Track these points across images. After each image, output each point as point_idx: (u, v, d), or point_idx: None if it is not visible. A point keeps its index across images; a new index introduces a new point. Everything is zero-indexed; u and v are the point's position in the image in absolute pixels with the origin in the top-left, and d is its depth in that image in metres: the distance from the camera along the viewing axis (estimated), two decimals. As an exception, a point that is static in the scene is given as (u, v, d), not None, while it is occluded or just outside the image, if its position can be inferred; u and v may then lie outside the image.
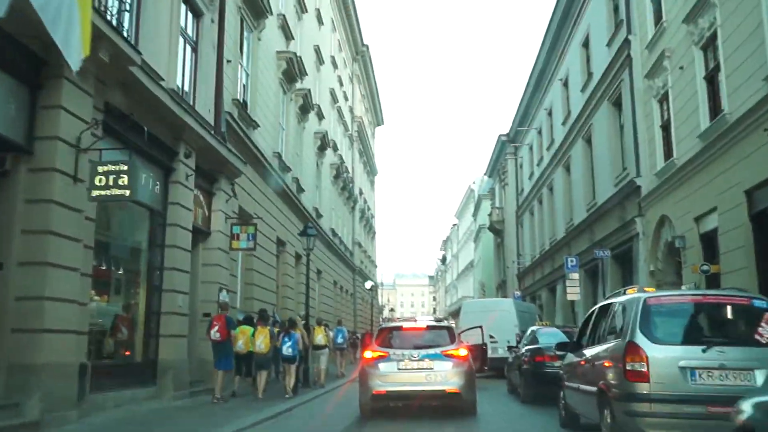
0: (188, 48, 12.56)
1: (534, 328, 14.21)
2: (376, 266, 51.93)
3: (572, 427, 8.04)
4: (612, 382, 6.02)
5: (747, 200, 11.07)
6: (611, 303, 6.92)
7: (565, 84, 24.74)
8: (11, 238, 7.30)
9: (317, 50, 26.36)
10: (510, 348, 15.59)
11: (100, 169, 7.84)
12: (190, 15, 12.64)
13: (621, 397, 5.76)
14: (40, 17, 6.20)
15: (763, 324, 5.70)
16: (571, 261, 19.17)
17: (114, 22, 8.67)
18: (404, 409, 9.71)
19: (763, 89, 10.34)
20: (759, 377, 5.42)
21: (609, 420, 6.00)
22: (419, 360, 9.19)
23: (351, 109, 37.75)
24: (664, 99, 15.23)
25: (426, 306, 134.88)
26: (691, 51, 13.43)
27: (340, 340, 19.24)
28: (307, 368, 14.80)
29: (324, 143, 26.64)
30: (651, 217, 15.96)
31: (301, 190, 22.31)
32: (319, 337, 15.46)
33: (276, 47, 19.30)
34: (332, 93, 30.37)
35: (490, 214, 43.37)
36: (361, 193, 41.01)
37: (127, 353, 10.28)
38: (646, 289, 6.80)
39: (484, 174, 50.21)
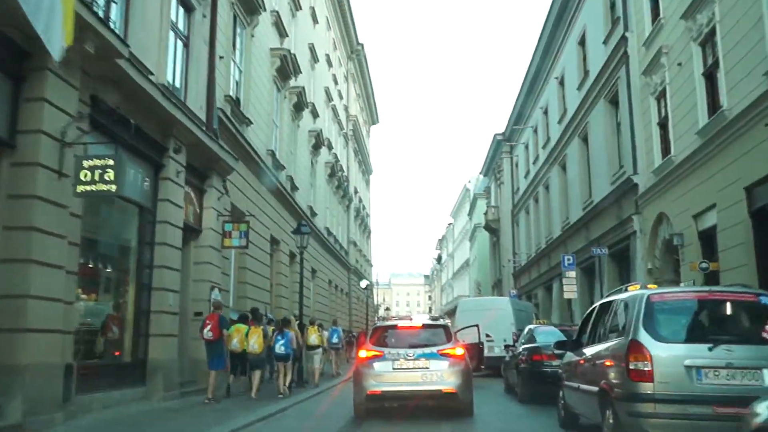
0: (179, 43, 12.33)
1: (531, 326, 14.07)
2: (371, 265, 51.82)
3: (572, 427, 7.87)
4: (614, 381, 5.83)
5: (747, 197, 10.95)
6: (612, 300, 6.74)
7: (561, 82, 24.62)
8: (-7, 235, 7.07)
9: (312, 48, 26.16)
10: (507, 347, 15.46)
11: (86, 163, 7.61)
12: (181, 9, 12.40)
13: (624, 398, 5.56)
14: (21, 6, 5.98)
15: None
16: (568, 259, 19.03)
17: (101, 15, 8.43)
18: (399, 410, 9.51)
19: (763, 84, 10.21)
20: (767, 377, 5.24)
21: (611, 421, 5.82)
22: (415, 359, 9.00)
23: (346, 108, 37.57)
24: (661, 96, 15.11)
25: (422, 305, 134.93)
26: (689, 47, 13.30)
27: (335, 339, 19.11)
28: (301, 367, 14.65)
29: (318, 141, 26.45)
30: (648, 214, 15.85)
31: (295, 188, 22.10)
32: (313, 337, 15.32)
33: (270, 44, 19.09)
34: (327, 91, 30.18)
35: (485, 213, 43.28)
36: (356, 191, 40.85)
37: (115, 353, 10.05)
38: (649, 286, 6.61)
39: (480, 173, 50.13)
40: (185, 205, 11.79)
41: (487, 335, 17.06)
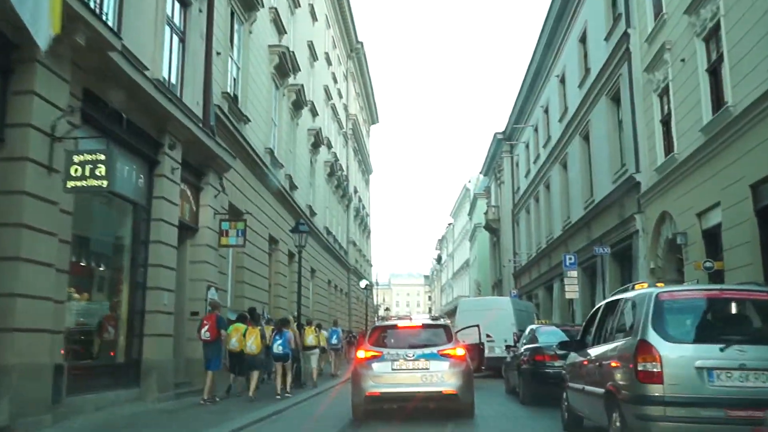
0: (175, 38, 12.15)
1: (533, 326, 13.88)
2: (371, 265, 51.64)
3: (575, 430, 7.67)
4: (622, 383, 5.61)
5: (752, 194, 10.77)
6: (619, 299, 6.52)
7: (562, 80, 24.44)
8: (-20, 232, 6.86)
9: (311, 46, 25.96)
10: (507, 347, 15.28)
11: (76, 158, 7.41)
12: (177, 4, 12.23)
13: (632, 400, 5.34)
14: (7, -7, 5.79)
15: None
16: (570, 258, 18.83)
17: (93, 6, 8.23)
18: (399, 412, 9.29)
19: (770, 79, 10.01)
20: None
21: (618, 424, 5.60)
22: (414, 360, 8.79)
23: (345, 107, 37.38)
24: (664, 93, 14.92)
25: (421, 305, 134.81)
26: (692, 43, 13.12)
27: (334, 340, 18.99)
28: (299, 368, 14.47)
29: (318, 140, 26.25)
30: (651, 213, 15.66)
31: (294, 187, 21.91)
32: (310, 337, 15.15)
33: (268, 41, 18.89)
34: (326, 90, 29.99)
35: (485, 213, 43.13)
36: (355, 191, 40.66)
37: (109, 353, 9.85)
38: (658, 284, 6.40)
39: (480, 172, 49.97)
40: (181, 202, 11.61)
41: (488, 335, 16.87)
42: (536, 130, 29.66)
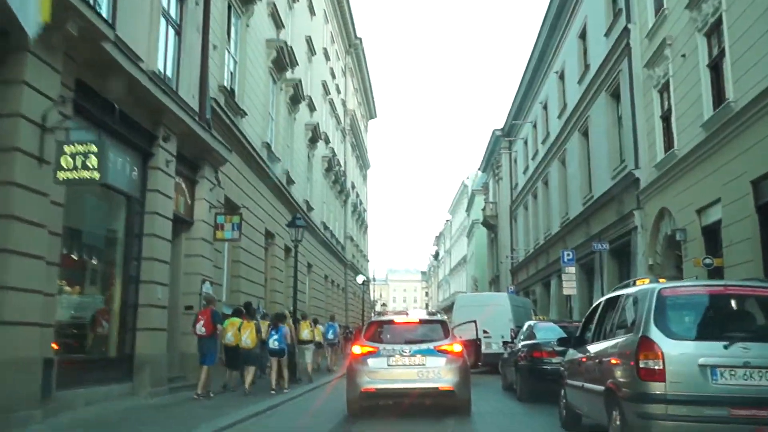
0: (171, 30, 11.97)
1: (531, 322, 13.78)
2: (368, 261, 51.54)
3: (574, 427, 7.57)
4: (622, 380, 5.50)
5: (753, 191, 10.70)
6: (620, 295, 6.41)
7: (561, 76, 24.33)
8: (-32, 223, 6.71)
9: (309, 41, 25.79)
10: (505, 343, 15.20)
11: (67, 149, 7.25)
12: (173, -5, 12.05)
13: (633, 398, 5.23)
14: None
15: None
16: (568, 255, 18.76)
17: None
18: (394, 408, 9.20)
19: (772, 75, 9.91)
20: None
21: (618, 422, 5.49)
22: (411, 356, 8.69)
23: (343, 102, 37.21)
24: (664, 89, 14.82)
25: (418, 301, 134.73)
26: (693, 38, 13.02)
27: (330, 335, 18.87)
28: (295, 363, 14.37)
29: (315, 135, 26.10)
30: (650, 209, 15.58)
31: (291, 182, 21.76)
32: (305, 332, 15.04)
33: (266, 35, 18.73)
34: (324, 85, 29.82)
35: (483, 209, 43.07)
36: (353, 186, 40.52)
37: (102, 347, 9.71)
38: (660, 279, 6.29)
39: (478, 169, 49.92)
40: (176, 195, 11.46)
41: (485, 331, 16.79)
42: (535, 126, 29.56)
